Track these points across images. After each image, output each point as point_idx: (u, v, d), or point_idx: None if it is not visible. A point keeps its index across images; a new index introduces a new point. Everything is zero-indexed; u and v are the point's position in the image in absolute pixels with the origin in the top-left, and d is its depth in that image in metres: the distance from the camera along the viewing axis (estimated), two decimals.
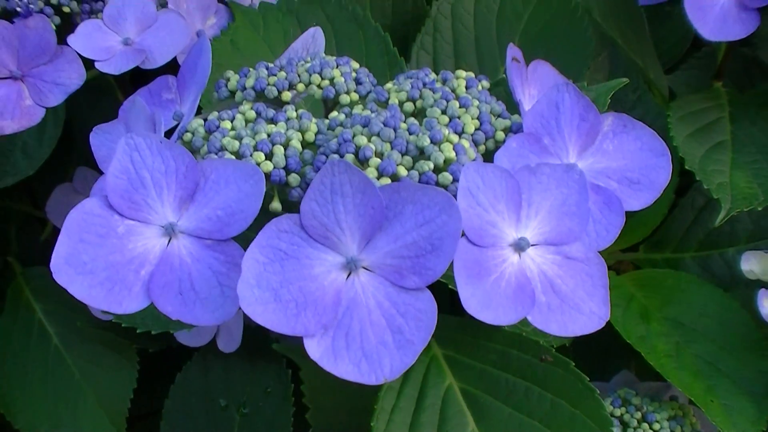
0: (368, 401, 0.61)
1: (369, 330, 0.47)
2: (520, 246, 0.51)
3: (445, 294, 0.66)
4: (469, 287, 0.50)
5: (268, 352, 0.88)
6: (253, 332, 0.92)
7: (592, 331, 0.54)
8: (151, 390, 0.93)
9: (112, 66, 0.79)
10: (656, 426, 0.73)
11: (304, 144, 0.57)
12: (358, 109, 0.60)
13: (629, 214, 0.60)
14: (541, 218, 0.53)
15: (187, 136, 0.59)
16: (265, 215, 0.53)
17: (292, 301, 0.47)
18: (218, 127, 0.58)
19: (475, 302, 0.50)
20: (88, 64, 0.80)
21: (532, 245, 0.52)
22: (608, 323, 0.75)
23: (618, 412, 0.75)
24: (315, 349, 0.49)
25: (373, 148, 0.51)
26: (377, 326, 0.47)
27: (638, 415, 0.74)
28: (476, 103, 0.60)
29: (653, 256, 0.90)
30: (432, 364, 0.63)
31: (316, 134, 0.58)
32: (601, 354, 0.88)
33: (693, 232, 0.89)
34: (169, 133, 0.61)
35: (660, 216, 0.85)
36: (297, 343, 0.89)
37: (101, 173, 0.60)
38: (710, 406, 0.72)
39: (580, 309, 0.53)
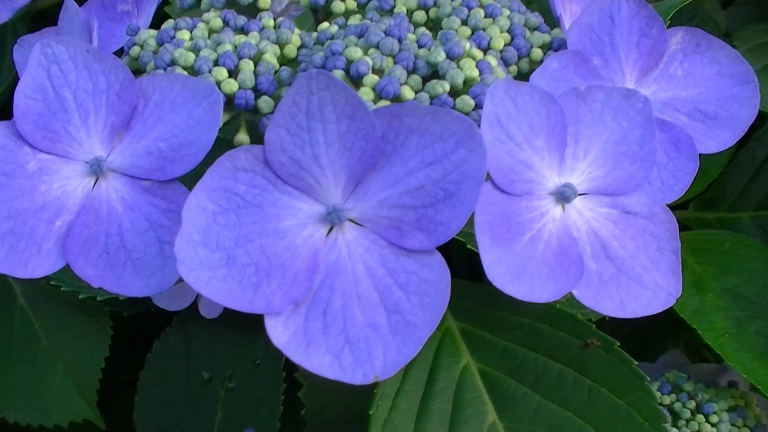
0: None
1: (355, 307, 0.36)
2: (563, 195, 0.40)
3: (461, 254, 0.57)
4: (494, 250, 0.37)
5: (258, 318, 0.75)
6: None
7: (658, 312, 0.40)
8: (127, 359, 0.80)
9: None
10: (713, 418, 0.62)
11: (283, 60, 0.44)
12: (354, 21, 0.46)
13: None
14: (592, 159, 0.41)
15: (135, 50, 0.46)
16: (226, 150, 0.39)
17: (250, 265, 0.36)
18: (173, 38, 0.44)
19: (502, 271, 0.37)
20: None
21: (580, 194, 0.41)
22: None
23: (667, 399, 0.62)
24: (280, 332, 0.35)
25: (370, 62, 0.41)
26: (367, 302, 0.36)
27: (692, 404, 0.62)
28: (506, 12, 0.47)
29: (705, 215, 0.78)
30: (445, 339, 0.53)
31: (298, 48, 0.45)
32: (642, 328, 0.74)
33: (752, 188, 0.77)
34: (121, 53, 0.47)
35: (718, 168, 0.74)
36: None
37: None
38: None
39: (641, 281, 0.40)
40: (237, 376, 0.75)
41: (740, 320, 0.65)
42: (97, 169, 0.39)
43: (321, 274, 0.36)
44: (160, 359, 0.76)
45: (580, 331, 0.52)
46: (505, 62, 0.45)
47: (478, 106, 0.40)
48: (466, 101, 0.40)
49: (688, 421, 0.61)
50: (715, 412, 0.61)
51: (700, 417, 0.61)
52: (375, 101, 0.39)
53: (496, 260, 0.36)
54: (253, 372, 0.75)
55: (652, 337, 0.75)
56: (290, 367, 0.73)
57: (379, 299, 0.35)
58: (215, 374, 0.75)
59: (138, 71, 0.44)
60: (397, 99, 0.40)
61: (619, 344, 0.51)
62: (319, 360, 0.35)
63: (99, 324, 0.78)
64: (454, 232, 0.35)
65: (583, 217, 0.40)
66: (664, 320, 0.69)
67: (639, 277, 0.40)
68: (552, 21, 0.50)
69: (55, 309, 0.80)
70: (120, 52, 0.49)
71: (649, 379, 0.51)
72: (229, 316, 0.76)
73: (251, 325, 0.77)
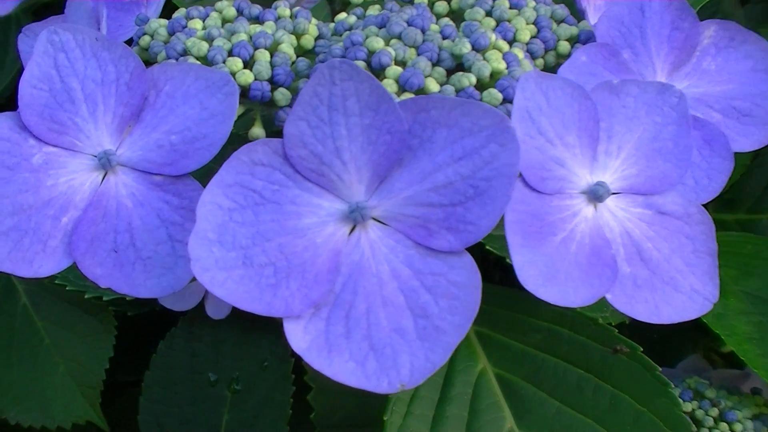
0: None
1: (380, 311, 0.34)
2: (596, 194, 0.38)
3: (473, 254, 0.55)
4: (526, 251, 0.34)
5: (265, 320, 0.72)
6: None
7: (694, 317, 0.37)
8: (131, 358, 0.78)
9: None
10: (737, 427, 0.58)
11: (300, 51, 0.42)
12: (374, 11, 0.44)
13: None
14: (626, 156, 0.39)
15: (145, 40, 0.43)
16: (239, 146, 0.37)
17: (268, 265, 0.34)
18: (185, 27, 0.41)
19: (534, 273, 0.34)
20: None
21: (613, 193, 0.39)
22: None
23: (689, 406, 0.60)
24: (300, 338, 0.33)
25: (392, 53, 0.39)
26: (392, 306, 0.34)
27: (714, 412, 0.60)
28: (532, 4, 0.45)
29: (724, 216, 0.75)
30: (461, 343, 0.49)
31: (316, 39, 0.43)
32: (661, 332, 0.71)
33: None
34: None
35: (739, 168, 0.70)
36: None
37: None
38: None
39: (677, 285, 0.38)
40: (244, 377, 0.73)
41: (763, 325, 0.63)
42: (105, 163, 0.37)
43: (343, 275, 0.34)
44: (165, 360, 0.74)
45: (601, 335, 0.50)
46: (532, 55, 0.43)
47: (506, 99, 0.38)
48: (494, 95, 0.37)
49: (710, 429, 0.59)
50: (738, 420, 0.59)
51: (724, 425, 0.59)
52: (398, 94, 0.37)
53: (527, 262, 0.34)
54: (261, 374, 0.73)
55: (671, 341, 0.73)
56: (299, 369, 0.71)
57: (405, 302, 0.33)
58: (221, 376, 0.73)
59: (148, 62, 0.42)
60: (421, 91, 0.38)
61: (642, 349, 0.50)
62: (342, 367, 0.33)
63: (103, 324, 0.75)
64: (485, 232, 0.33)
65: (616, 218, 0.38)
66: (682, 324, 0.67)
67: (674, 280, 0.38)
68: (577, 13, 0.48)
69: (58, 308, 0.78)
70: (129, 43, 0.47)
71: (673, 385, 0.49)
72: (236, 316, 0.74)
73: (258, 326, 0.75)
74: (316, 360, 0.33)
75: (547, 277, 0.34)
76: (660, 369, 0.49)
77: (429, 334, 0.33)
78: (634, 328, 0.66)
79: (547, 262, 0.35)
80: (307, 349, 0.33)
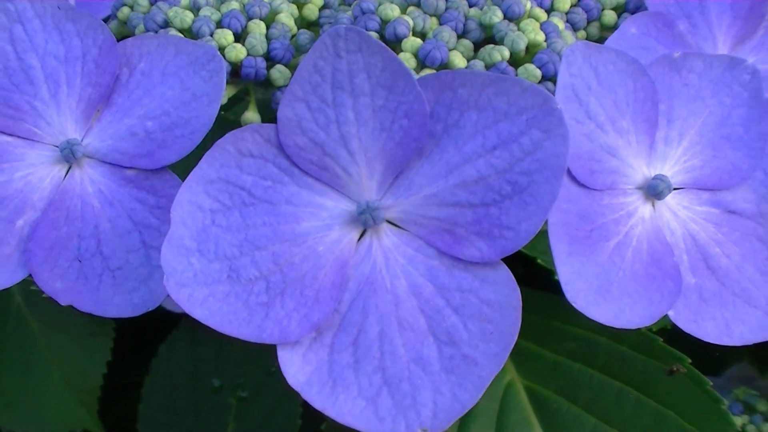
0: None
1: (396, 336, 0.28)
2: (655, 190, 0.32)
3: None
4: (573, 261, 0.29)
5: None
6: None
7: None
8: (131, 360, 0.75)
9: None
10: None
11: (302, 23, 0.37)
12: None
13: None
14: (688, 145, 0.33)
15: (124, 12, 0.39)
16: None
17: (259, 279, 0.29)
18: None
19: (583, 287, 0.29)
20: None
21: (674, 189, 0.33)
22: None
23: (739, 421, 0.56)
24: (298, 369, 0.27)
25: (411, 23, 0.33)
26: (411, 330, 0.28)
27: (767, 427, 0.56)
28: None
29: None
30: None
31: (320, 9, 0.38)
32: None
33: None
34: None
35: None
36: None
37: None
38: None
39: (750, 298, 0.33)
40: (249, 384, 0.70)
41: None
42: (69, 155, 0.32)
43: (351, 291, 0.28)
44: (166, 365, 0.71)
45: (643, 344, 0.46)
46: (573, 27, 0.37)
47: (546, 77, 0.33)
48: (531, 71, 0.32)
49: None
50: None
51: None
52: (417, 70, 0.32)
53: (575, 274, 0.28)
54: (268, 380, 0.69)
55: (715, 347, 0.67)
56: None
57: (427, 326, 0.28)
58: (226, 382, 0.70)
59: (127, 38, 0.37)
60: (444, 67, 0.33)
61: (690, 361, 0.45)
62: (349, 405, 0.27)
63: (100, 326, 0.72)
64: (526, 239, 0.27)
65: (679, 218, 0.32)
66: None
67: (746, 292, 0.32)
68: None
69: (53, 309, 0.74)
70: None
71: (726, 402, 0.43)
72: None
73: None
74: (317, 397, 0.27)
75: (598, 292, 0.28)
76: (711, 383, 0.44)
77: (456, 365, 0.27)
78: (674, 333, 0.61)
79: (599, 273, 0.29)
80: (306, 383, 0.27)
